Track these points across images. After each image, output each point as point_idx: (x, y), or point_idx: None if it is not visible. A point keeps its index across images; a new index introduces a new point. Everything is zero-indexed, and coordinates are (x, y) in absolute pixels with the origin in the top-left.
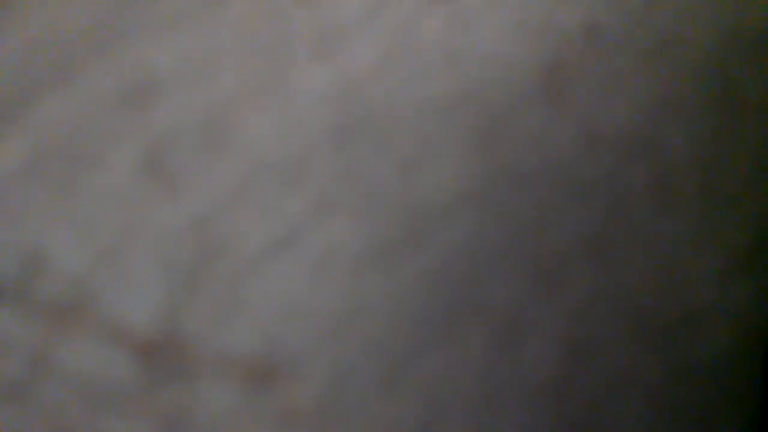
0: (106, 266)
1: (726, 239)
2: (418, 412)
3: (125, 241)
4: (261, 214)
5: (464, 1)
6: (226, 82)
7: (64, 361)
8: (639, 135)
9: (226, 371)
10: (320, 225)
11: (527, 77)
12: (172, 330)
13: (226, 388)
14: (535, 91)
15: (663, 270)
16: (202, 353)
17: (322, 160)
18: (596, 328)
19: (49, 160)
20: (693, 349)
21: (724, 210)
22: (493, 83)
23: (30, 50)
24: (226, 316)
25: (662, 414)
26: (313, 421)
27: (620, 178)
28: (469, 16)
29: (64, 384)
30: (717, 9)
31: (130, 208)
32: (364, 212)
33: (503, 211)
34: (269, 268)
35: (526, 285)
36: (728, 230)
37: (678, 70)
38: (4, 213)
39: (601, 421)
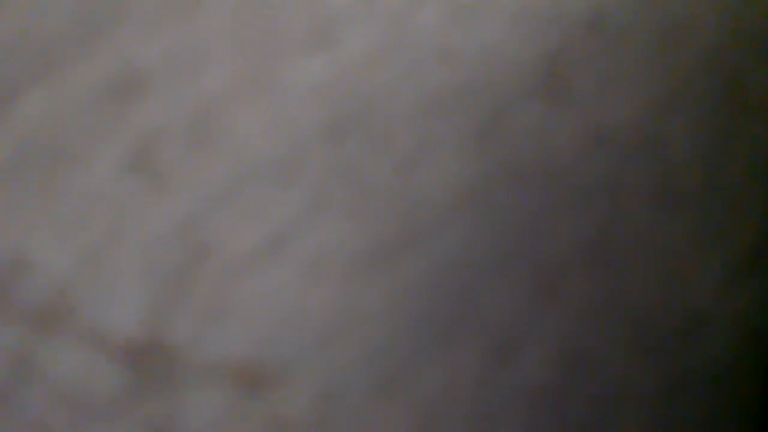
0: (89, 269)
1: (728, 242)
2: (413, 422)
3: (109, 243)
4: (251, 215)
5: None
6: (214, 76)
7: (46, 367)
8: (641, 133)
9: (213, 377)
10: (313, 226)
11: (527, 71)
12: (157, 335)
13: (213, 395)
14: (535, 86)
15: (664, 275)
16: (189, 359)
17: (314, 158)
18: (595, 338)
19: (31, 159)
20: (694, 356)
21: (726, 211)
22: (491, 77)
23: (9, 45)
24: (214, 320)
25: (662, 423)
26: (305, 430)
27: (621, 179)
28: (466, 7)
29: (47, 390)
30: (722, 2)
31: (115, 208)
32: (359, 213)
33: (502, 214)
34: (260, 271)
35: (525, 292)
36: (730, 232)
37: (682, 64)
38: None
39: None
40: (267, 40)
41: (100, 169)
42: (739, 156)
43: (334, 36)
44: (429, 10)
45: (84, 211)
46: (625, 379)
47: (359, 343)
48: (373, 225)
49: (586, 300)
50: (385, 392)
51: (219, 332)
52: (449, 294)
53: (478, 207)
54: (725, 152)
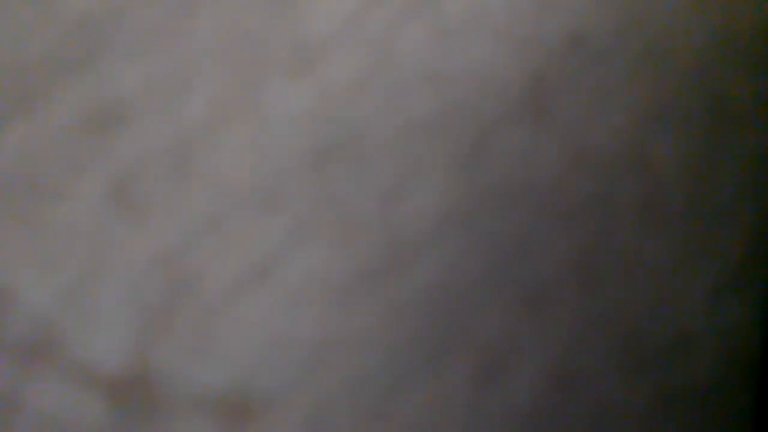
0: (72, 303)
1: (715, 257)
2: None
3: (92, 276)
4: (235, 244)
5: (445, 13)
6: (196, 104)
7: (31, 404)
8: (626, 151)
9: (200, 410)
10: (298, 254)
11: (512, 92)
12: (142, 369)
13: (199, 427)
14: (520, 107)
15: (651, 292)
16: (175, 392)
17: (298, 185)
18: (584, 356)
19: (12, 191)
20: (683, 373)
21: (714, 228)
22: (476, 100)
23: None
24: (199, 352)
25: None
26: None
27: (607, 197)
28: (450, 28)
29: (32, 425)
30: (706, 16)
31: (97, 241)
32: (344, 240)
33: (489, 235)
34: (244, 301)
35: (513, 312)
36: (717, 248)
37: (666, 81)
38: None
39: None
40: (249, 67)
41: (82, 201)
42: (726, 172)
43: (318, 61)
44: (412, 33)
45: (66, 244)
46: (614, 397)
47: (346, 370)
48: (358, 251)
49: (574, 319)
50: (374, 420)
51: (204, 364)
52: (437, 317)
53: (464, 229)
54: (712, 169)
